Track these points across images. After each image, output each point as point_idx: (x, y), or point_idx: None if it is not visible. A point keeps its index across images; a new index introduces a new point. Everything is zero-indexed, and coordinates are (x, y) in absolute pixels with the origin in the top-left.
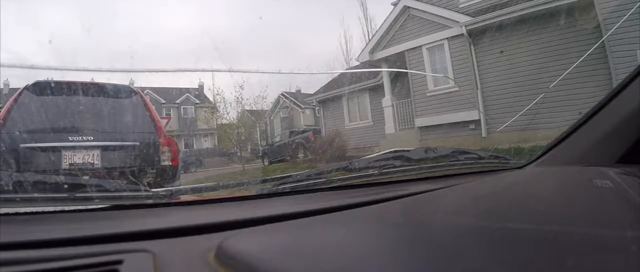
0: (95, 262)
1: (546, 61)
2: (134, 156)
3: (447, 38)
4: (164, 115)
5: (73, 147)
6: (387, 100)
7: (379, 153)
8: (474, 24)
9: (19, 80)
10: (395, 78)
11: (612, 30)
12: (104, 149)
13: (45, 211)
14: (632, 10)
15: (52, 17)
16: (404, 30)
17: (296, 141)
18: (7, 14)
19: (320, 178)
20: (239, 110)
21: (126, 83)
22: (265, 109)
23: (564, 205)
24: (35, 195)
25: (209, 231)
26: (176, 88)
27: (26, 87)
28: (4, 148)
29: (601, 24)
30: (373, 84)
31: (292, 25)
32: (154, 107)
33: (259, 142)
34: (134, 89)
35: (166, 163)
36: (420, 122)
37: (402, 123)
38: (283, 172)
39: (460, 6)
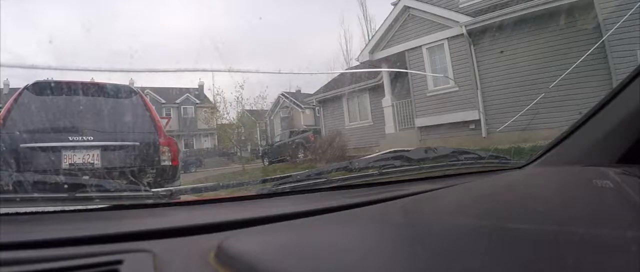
0: (95, 262)
1: (546, 61)
2: (134, 156)
3: (447, 38)
4: (164, 115)
5: (73, 147)
6: (387, 100)
7: (379, 153)
8: (474, 24)
9: (19, 80)
10: (395, 78)
11: (612, 30)
12: (104, 149)
13: (45, 211)
14: (632, 10)
15: (52, 17)
16: (404, 30)
17: (296, 141)
18: (7, 14)
19: (320, 178)
20: (239, 110)
21: (126, 83)
22: (265, 109)
23: (564, 205)
24: (35, 195)
25: (209, 231)
26: (176, 88)
27: (26, 87)
28: (4, 148)
29: (601, 24)
30: (373, 84)
31: (292, 25)
32: (154, 107)
33: (259, 142)
34: (134, 89)
35: (166, 163)
36: (420, 122)
37: (402, 123)
38: (283, 172)
39: (460, 6)
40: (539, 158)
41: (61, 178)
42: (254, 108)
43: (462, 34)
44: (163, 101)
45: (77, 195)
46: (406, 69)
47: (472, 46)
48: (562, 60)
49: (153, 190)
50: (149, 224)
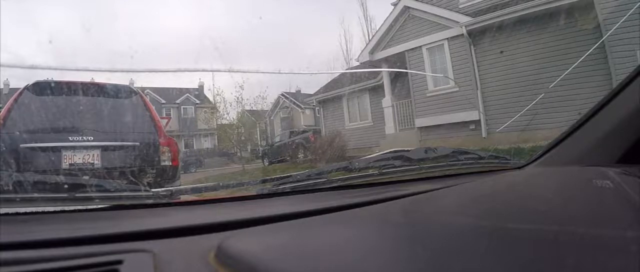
0: (95, 262)
1: (546, 61)
2: (134, 156)
3: (447, 38)
4: (164, 115)
5: (73, 147)
6: (387, 100)
7: (379, 153)
8: (474, 24)
9: (19, 80)
10: (395, 78)
11: (612, 30)
12: (104, 149)
13: (45, 211)
14: (632, 10)
15: (52, 17)
16: (404, 30)
17: (296, 141)
18: (7, 14)
19: (320, 178)
20: (239, 111)
21: (126, 83)
22: (265, 109)
23: (564, 205)
24: (35, 195)
25: (209, 231)
26: (176, 88)
27: (26, 87)
28: (4, 148)
29: (601, 24)
30: (373, 84)
31: (292, 25)
32: (154, 107)
33: (259, 142)
34: (134, 89)
35: (166, 163)
36: (420, 122)
37: (402, 123)
38: (283, 172)
39: (460, 6)
40: (539, 158)
41: (61, 178)
42: (254, 108)
43: (462, 34)
44: (163, 101)
45: (77, 195)
46: (406, 69)
47: (472, 46)
48: (562, 60)
49: (153, 190)
50: (149, 224)
